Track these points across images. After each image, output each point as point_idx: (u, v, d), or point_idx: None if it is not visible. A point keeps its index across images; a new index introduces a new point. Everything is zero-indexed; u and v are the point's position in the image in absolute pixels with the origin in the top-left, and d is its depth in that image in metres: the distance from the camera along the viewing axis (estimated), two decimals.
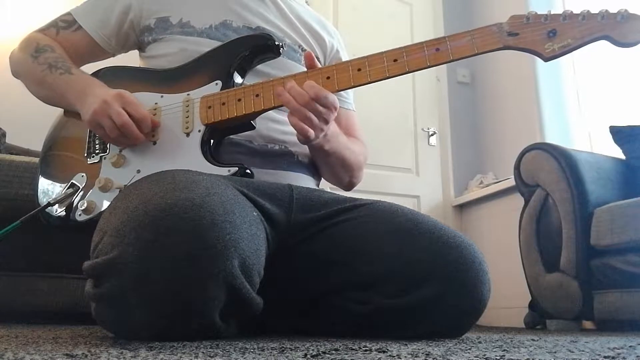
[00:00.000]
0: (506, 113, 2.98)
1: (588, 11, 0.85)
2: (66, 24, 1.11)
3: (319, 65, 0.92)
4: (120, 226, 0.68)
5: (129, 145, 0.94)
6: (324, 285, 0.90)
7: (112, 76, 1.02)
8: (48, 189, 0.98)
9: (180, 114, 0.95)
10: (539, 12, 0.87)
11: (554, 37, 0.85)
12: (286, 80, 0.90)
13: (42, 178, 1.01)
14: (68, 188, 0.95)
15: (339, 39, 1.27)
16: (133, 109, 0.91)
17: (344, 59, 1.23)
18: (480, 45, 0.87)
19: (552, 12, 0.87)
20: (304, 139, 0.89)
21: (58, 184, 0.98)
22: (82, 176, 0.95)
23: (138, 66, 1.10)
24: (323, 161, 1.08)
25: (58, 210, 0.94)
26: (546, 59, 0.87)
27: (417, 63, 0.88)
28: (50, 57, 1.04)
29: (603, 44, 0.86)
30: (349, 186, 1.18)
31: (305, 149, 1.09)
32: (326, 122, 0.90)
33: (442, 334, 0.84)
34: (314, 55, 0.93)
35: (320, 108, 0.87)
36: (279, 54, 0.99)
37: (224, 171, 0.89)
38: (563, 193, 1.79)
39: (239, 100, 0.92)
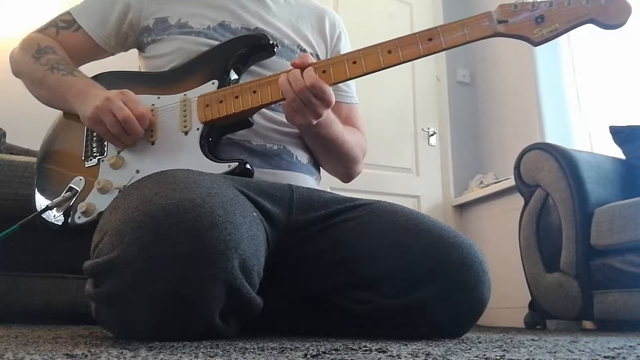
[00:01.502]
0: (506, 113, 2.98)
1: None
2: (66, 23, 1.11)
3: (309, 61, 0.92)
4: (121, 226, 0.68)
5: (127, 144, 0.94)
6: (324, 285, 0.90)
7: (108, 81, 1.02)
8: (45, 193, 0.98)
9: (178, 114, 0.95)
10: (526, 0, 0.90)
11: (542, 23, 0.88)
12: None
13: (39, 183, 1.00)
14: (66, 192, 0.94)
15: (339, 22, 1.26)
16: (133, 106, 0.91)
17: (344, 42, 1.25)
18: (471, 33, 0.90)
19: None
20: (290, 121, 0.94)
21: (56, 188, 0.97)
22: (80, 179, 0.95)
23: (134, 70, 1.11)
24: (314, 144, 1.08)
25: (56, 215, 0.94)
26: (535, 44, 0.89)
27: (410, 53, 0.90)
28: (52, 59, 1.04)
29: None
30: (345, 177, 1.18)
31: (304, 148, 1.09)
32: (317, 115, 0.91)
33: (442, 334, 0.84)
34: (308, 60, 0.92)
35: (313, 99, 0.88)
36: (273, 53, 1.00)
37: (224, 167, 0.89)
38: (563, 193, 1.79)
39: (236, 97, 0.92)
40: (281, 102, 0.94)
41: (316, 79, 0.88)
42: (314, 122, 0.92)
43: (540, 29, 0.88)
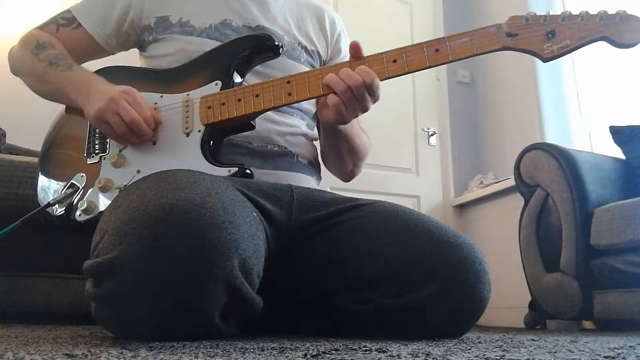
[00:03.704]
0: (506, 113, 2.98)
1: (587, 12, 0.85)
2: (66, 21, 1.10)
3: (364, 55, 0.92)
4: (121, 226, 0.68)
5: (133, 142, 0.93)
6: (325, 285, 0.90)
7: (111, 76, 1.02)
8: (48, 189, 0.98)
9: (180, 114, 0.95)
10: (538, 13, 0.88)
11: (552, 38, 0.85)
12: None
13: (42, 178, 1.00)
14: (68, 188, 0.95)
15: (339, 21, 1.27)
16: (138, 108, 0.91)
17: (344, 41, 1.24)
18: (479, 45, 0.88)
19: (551, 13, 0.87)
20: (336, 117, 0.90)
21: (57, 185, 0.97)
22: (82, 176, 0.95)
23: (138, 66, 1.10)
24: (334, 145, 1.08)
25: (58, 211, 0.94)
26: (545, 60, 0.87)
27: (416, 63, 0.89)
28: (51, 54, 1.03)
29: (602, 44, 0.87)
30: (350, 175, 1.18)
31: (304, 149, 1.09)
32: (364, 110, 0.90)
33: (442, 334, 0.84)
34: (359, 45, 0.91)
35: (367, 94, 0.87)
36: (278, 54, 0.99)
37: (224, 171, 0.89)
38: (563, 193, 1.79)
39: (239, 100, 0.92)
40: (323, 99, 0.91)
41: (375, 76, 0.87)
42: (360, 115, 0.91)
43: (550, 45, 0.85)
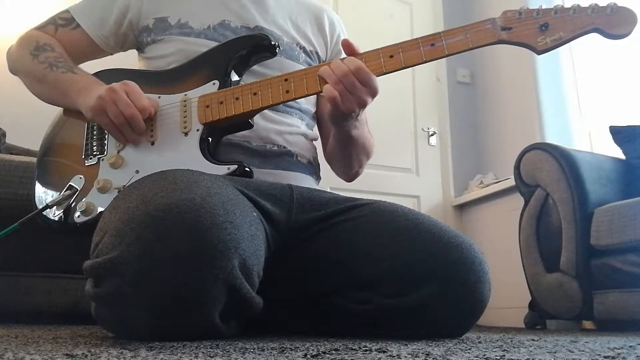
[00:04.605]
0: (506, 113, 2.98)
1: (578, 5, 0.87)
2: (65, 21, 1.10)
3: (359, 51, 0.92)
4: (121, 226, 0.68)
5: (129, 139, 0.93)
6: (324, 285, 0.90)
7: (109, 79, 1.02)
8: (46, 191, 0.98)
9: (178, 114, 0.95)
10: (531, 7, 0.89)
11: (546, 31, 0.87)
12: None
13: (40, 181, 1.00)
14: (66, 190, 0.94)
15: (339, 22, 1.26)
16: (136, 98, 0.91)
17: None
18: (474, 40, 0.89)
19: (543, 7, 0.89)
20: (334, 111, 0.90)
21: (56, 187, 0.97)
22: (80, 178, 0.95)
23: (135, 68, 1.10)
24: (344, 147, 1.07)
25: (56, 213, 0.94)
26: (539, 52, 0.88)
27: (413, 58, 0.89)
28: (50, 57, 1.03)
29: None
30: (354, 176, 1.18)
31: (304, 149, 1.09)
32: (362, 103, 0.89)
33: (442, 334, 0.84)
34: (350, 42, 0.92)
35: (358, 83, 0.87)
36: (275, 54, 1.00)
37: (223, 169, 0.89)
38: (563, 193, 1.79)
39: (237, 98, 0.92)
40: (322, 96, 0.92)
41: (361, 64, 0.87)
42: (357, 110, 0.90)
43: (544, 37, 0.86)
